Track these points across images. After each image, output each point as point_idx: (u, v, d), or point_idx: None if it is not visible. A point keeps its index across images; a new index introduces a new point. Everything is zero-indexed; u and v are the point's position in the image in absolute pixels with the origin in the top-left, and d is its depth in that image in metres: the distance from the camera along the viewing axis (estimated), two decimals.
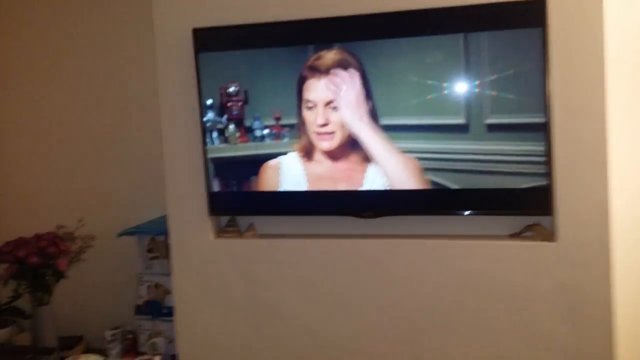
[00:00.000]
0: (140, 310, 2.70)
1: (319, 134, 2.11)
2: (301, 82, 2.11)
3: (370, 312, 2.20)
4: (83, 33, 2.94)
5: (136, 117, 2.89)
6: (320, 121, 2.09)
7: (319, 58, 2.08)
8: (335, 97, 2.06)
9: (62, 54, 2.98)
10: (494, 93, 1.94)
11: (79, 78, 2.97)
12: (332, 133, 2.09)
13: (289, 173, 2.18)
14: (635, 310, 2.08)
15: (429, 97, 2.00)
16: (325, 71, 2.06)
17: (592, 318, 1.96)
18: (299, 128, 2.15)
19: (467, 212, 2.07)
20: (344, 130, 2.09)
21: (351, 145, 2.10)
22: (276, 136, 2.17)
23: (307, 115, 2.12)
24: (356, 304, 2.20)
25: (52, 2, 2.94)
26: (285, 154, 2.19)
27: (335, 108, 2.07)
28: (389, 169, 2.08)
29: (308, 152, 2.16)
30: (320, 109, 2.08)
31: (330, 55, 2.07)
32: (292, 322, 2.27)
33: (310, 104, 2.10)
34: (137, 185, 2.90)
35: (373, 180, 2.11)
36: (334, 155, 2.13)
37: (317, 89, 2.09)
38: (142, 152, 2.86)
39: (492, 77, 1.93)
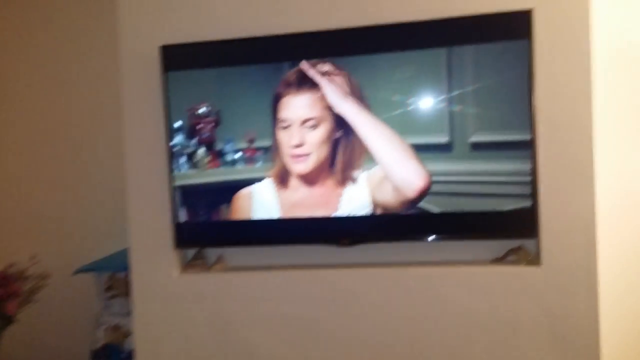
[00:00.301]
0: (97, 355, 2.47)
1: (294, 156, 2.00)
2: (276, 100, 2.01)
3: (350, 347, 2.07)
4: (42, 53, 2.79)
5: (96, 142, 2.74)
6: (296, 141, 1.98)
7: (295, 73, 1.99)
8: (320, 83, 1.94)
9: (15, 76, 2.83)
10: (478, 109, 1.89)
11: (31, 101, 2.81)
12: (307, 155, 1.99)
13: (260, 201, 2.06)
14: (623, 337, 2.04)
15: (409, 115, 1.94)
16: (304, 81, 1.97)
17: (579, 346, 1.91)
18: (273, 151, 2.04)
19: (449, 238, 2.02)
20: (320, 151, 1.99)
21: (328, 168, 2.00)
22: (249, 160, 2.06)
23: (282, 136, 2.02)
24: (335, 338, 2.08)
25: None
26: (258, 180, 2.07)
27: (312, 127, 1.98)
28: (386, 157, 1.93)
29: (282, 178, 2.05)
30: (295, 128, 1.99)
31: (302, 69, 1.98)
32: None
33: (285, 124, 2.00)
34: (96, 216, 2.73)
35: (349, 202, 2.00)
36: (309, 179, 2.03)
37: (292, 106, 1.99)
38: (103, 180, 2.70)
39: (477, 93, 1.89)
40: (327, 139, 1.98)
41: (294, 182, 2.04)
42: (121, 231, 2.23)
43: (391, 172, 1.94)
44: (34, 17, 2.79)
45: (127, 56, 2.15)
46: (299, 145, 1.99)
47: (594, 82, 1.86)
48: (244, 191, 2.08)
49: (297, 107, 1.98)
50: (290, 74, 1.99)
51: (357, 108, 1.94)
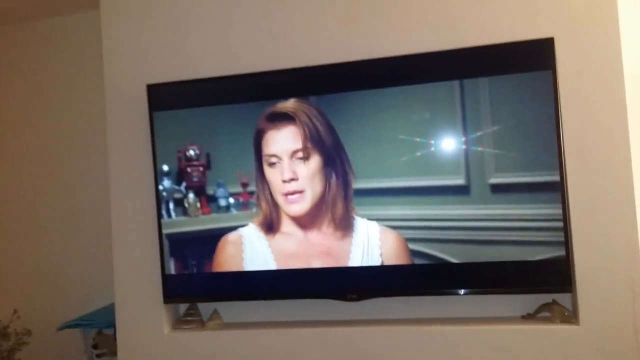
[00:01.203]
0: None
1: (287, 194, 1.85)
2: (259, 136, 1.88)
3: None
4: (25, 96, 2.69)
5: (81, 189, 2.60)
6: (288, 175, 1.83)
7: (277, 106, 1.86)
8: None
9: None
10: (497, 148, 1.74)
11: (15, 146, 2.70)
12: (302, 192, 1.84)
13: (253, 249, 1.91)
14: None
15: (419, 155, 1.79)
16: (290, 116, 1.84)
17: None
18: (257, 195, 1.89)
19: (470, 291, 1.82)
20: (314, 187, 1.83)
21: (325, 208, 1.83)
22: (244, 206, 1.92)
23: (271, 174, 1.87)
24: None
25: None
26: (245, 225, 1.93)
27: (301, 158, 1.83)
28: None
29: (271, 225, 1.89)
30: (285, 162, 1.84)
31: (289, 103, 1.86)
32: None
33: (272, 159, 1.86)
34: (81, 269, 2.56)
35: (356, 252, 1.83)
36: (306, 222, 1.86)
37: (278, 140, 1.85)
38: (88, 229, 2.56)
39: (495, 130, 1.75)
40: (319, 173, 1.84)
41: (286, 226, 1.88)
42: (109, 284, 2.08)
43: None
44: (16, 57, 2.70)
45: (113, 96, 2.09)
46: (291, 180, 1.83)
47: (629, 112, 1.70)
48: (232, 236, 1.92)
49: (283, 140, 1.85)
50: (271, 109, 1.87)
51: None
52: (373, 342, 1.86)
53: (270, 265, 1.89)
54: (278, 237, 1.88)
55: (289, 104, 1.85)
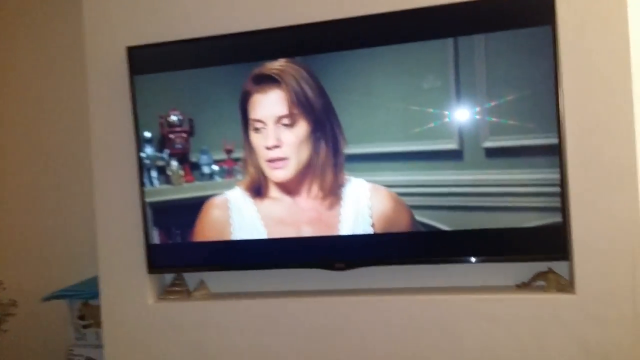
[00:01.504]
0: None
1: (271, 160, 1.81)
2: (245, 99, 1.83)
3: None
4: (3, 60, 2.63)
5: (63, 158, 2.57)
6: (271, 142, 1.79)
7: (264, 67, 1.81)
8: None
9: None
10: (492, 110, 1.68)
11: None
12: (285, 159, 1.80)
13: (241, 214, 1.87)
14: None
15: (411, 118, 1.73)
16: (276, 79, 1.78)
17: None
18: (244, 159, 1.85)
19: (463, 260, 1.79)
20: (300, 154, 1.79)
21: (312, 174, 1.79)
22: (228, 173, 1.87)
23: (255, 139, 1.83)
24: None
25: None
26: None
27: (287, 125, 1.78)
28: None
29: (259, 189, 1.85)
30: (270, 127, 1.79)
31: (277, 64, 1.80)
32: None
33: (258, 125, 1.82)
34: (66, 239, 2.55)
35: (352, 219, 1.79)
36: (290, 189, 1.82)
37: (264, 104, 1.80)
38: (72, 199, 2.54)
39: (490, 90, 1.69)
40: (306, 140, 1.79)
41: (274, 192, 1.85)
42: (93, 255, 2.05)
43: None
44: None
45: (93, 60, 2.03)
46: (275, 147, 1.79)
47: (633, 72, 1.64)
48: (218, 200, 1.88)
49: (269, 104, 1.79)
50: (257, 70, 1.80)
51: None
52: (362, 312, 1.85)
53: (260, 231, 1.85)
54: (267, 202, 1.85)
55: (276, 65, 1.78)
